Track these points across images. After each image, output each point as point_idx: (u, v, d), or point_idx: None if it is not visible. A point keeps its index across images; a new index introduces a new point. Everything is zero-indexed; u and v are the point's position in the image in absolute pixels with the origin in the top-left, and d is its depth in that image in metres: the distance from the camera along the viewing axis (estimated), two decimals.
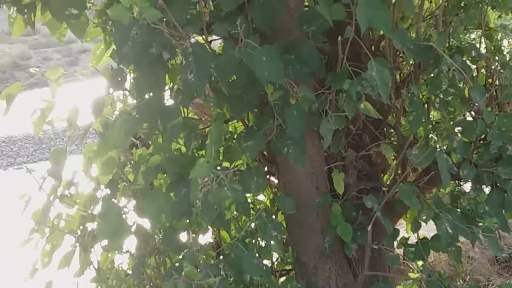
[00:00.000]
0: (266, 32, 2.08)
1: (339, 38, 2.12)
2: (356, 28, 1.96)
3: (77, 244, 2.61)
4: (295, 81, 2.11)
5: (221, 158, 2.40)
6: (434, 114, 2.87)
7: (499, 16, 2.84)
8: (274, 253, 2.47)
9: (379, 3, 1.88)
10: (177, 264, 2.42)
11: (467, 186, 2.65)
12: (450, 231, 2.37)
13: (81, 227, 2.60)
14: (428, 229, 2.79)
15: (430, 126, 2.57)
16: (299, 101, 2.14)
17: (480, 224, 2.44)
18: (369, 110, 2.27)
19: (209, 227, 2.64)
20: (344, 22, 2.05)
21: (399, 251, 2.69)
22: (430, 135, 2.59)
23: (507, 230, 2.47)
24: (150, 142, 2.45)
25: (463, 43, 2.68)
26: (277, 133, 2.24)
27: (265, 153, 2.67)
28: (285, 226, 2.67)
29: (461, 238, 2.47)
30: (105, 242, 2.49)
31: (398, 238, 2.65)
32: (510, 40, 2.87)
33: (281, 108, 2.16)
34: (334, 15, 1.99)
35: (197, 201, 2.09)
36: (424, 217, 2.45)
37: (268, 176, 2.73)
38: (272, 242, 2.34)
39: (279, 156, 2.53)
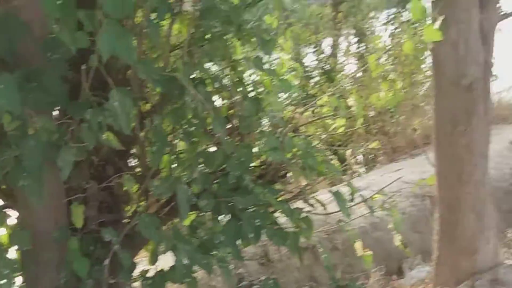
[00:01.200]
0: (6, 59, 1.97)
1: (83, 66, 2.05)
2: None
3: None
4: (37, 111, 2.02)
5: None
6: (181, 145, 2.90)
7: (254, 49, 2.93)
8: None
9: (121, 32, 1.88)
10: None
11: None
12: (186, 262, 2.38)
13: None
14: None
15: (174, 156, 2.59)
16: (37, 131, 2.04)
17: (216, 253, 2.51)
18: (111, 141, 2.21)
19: None
20: (92, 50, 1.98)
21: (138, 284, 2.64)
22: (173, 166, 2.60)
23: (240, 258, 2.58)
24: None
25: (210, 74, 2.74)
26: (13, 165, 2.09)
27: (3, 186, 2.45)
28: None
29: None
30: None
31: (140, 271, 2.61)
32: (253, 71, 2.99)
33: (19, 138, 2.04)
34: (77, 43, 1.94)
35: None
36: (162, 249, 2.45)
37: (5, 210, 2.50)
38: (5, 281, 2.18)
39: (16, 189, 2.33)
